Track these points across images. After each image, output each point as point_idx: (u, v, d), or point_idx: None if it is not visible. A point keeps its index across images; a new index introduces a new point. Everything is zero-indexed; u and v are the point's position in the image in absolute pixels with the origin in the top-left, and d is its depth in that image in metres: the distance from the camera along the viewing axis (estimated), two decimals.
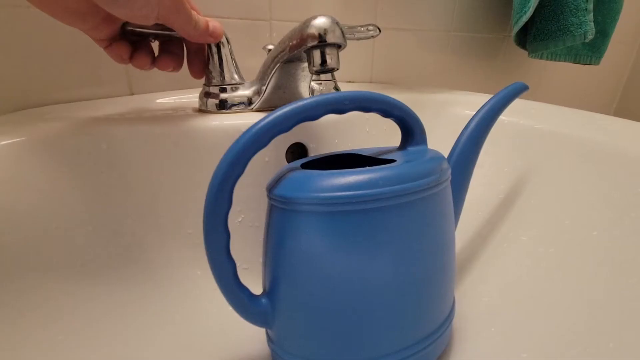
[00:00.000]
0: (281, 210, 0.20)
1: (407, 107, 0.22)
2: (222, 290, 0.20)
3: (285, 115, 0.19)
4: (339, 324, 0.19)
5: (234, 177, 0.18)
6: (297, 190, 0.19)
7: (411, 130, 0.24)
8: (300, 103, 0.19)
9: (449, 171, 0.22)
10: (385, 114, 0.22)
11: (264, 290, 0.22)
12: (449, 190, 0.23)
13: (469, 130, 0.26)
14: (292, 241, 0.19)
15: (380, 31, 0.38)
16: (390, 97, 0.22)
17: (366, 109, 0.21)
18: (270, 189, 0.21)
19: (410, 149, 0.24)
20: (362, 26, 0.37)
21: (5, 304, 0.22)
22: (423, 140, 0.24)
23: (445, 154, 0.26)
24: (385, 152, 0.24)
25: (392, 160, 0.22)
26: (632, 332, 0.20)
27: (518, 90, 0.28)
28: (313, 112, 0.20)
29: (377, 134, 0.39)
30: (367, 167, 0.19)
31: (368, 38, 0.37)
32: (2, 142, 0.25)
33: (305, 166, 0.23)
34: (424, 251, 0.20)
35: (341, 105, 0.20)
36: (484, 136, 0.27)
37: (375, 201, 0.18)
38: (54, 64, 0.37)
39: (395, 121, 0.23)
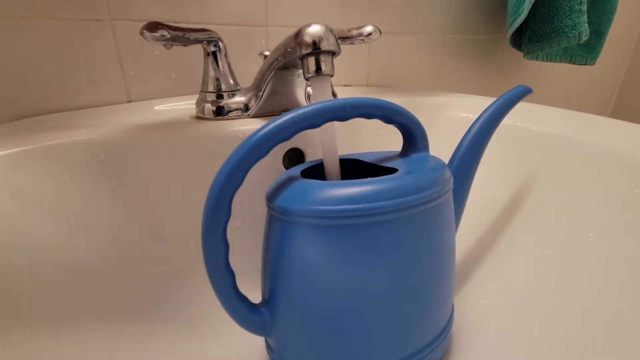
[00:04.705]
0: (281, 221, 0.20)
1: (409, 113, 0.22)
2: (222, 302, 0.20)
3: (286, 124, 0.18)
4: (338, 335, 0.19)
5: (232, 188, 0.18)
6: (297, 201, 0.19)
7: (413, 136, 0.23)
8: (301, 111, 0.19)
9: (452, 180, 0.22)
10: (388, 120, 0.22)
11: (263, 299, 0.22)
12: (451, 199, 0.22)
13: (470, 135, 0.25)
14: (291, 252, 0.19)
15: (381, 33, 0.38)
16: (392, 104, 0.21)
17: (368, 116, 0.21)
18: (270, 198, 0.20)
19: (412, 155, 0.24)
20: (357, 29, 0.37)
21: None
22: (425, 147, 0.24)
23: (443, 156, 0.26)
24: (387, 159, 0.24)
25: (394, 169, 0.21)
26: (628, 333, 0.20)
27: (521, 94, 0.27)
28: (314, 120, 0.19)
29: (374, 138, 0.39)
30: (368, 179, 0.19)
31: (371, 41, 0.37)
32: (1, 153, 0.25)
33: (305, 172, 0.23)
34: (424, 263, 0.20)
35: (343, 112, 0.20)
36: (486, 141, 0.26)
37: (376, 215, 0.18)
38: (51, 72, 0.37)
39: (397, 127, 0.23)
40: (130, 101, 0.42)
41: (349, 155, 0.26)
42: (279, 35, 0.47)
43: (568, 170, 0.29)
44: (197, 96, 0.36)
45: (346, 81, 0.56)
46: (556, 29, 0.54)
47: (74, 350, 0.23)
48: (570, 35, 0.52)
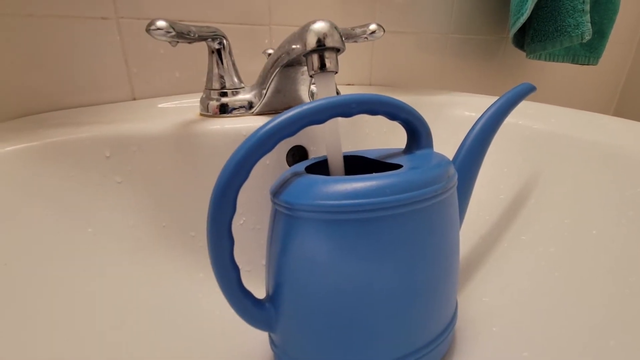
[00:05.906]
0: (286, 216, 0.20)
1: (414, 109, 0.22)
2: (227, 297, 0.20)
3: (291, 119, 0.18)
4: (342, 331, 0.19)
5: (237, 183, 0.18)
6: (302, 196, 0.19)
7: (417, 133, 0.23)
8: (306, 106, 0.19)
9: (456, 176, 0.22)
10: (392, 116, 0.22)
11: (267, 294, 0.22)
12: (455, 196, 0.22)
13: (475, 131, 0.26)
14: (296, 247, 0.19)
15: (384, 31, 0.38)
16: (397, 100, 0.21)
17: (373, 112, 0.21)
18: (275, 193, 0.20)
19: (417, 152, 0.24)
20: (360, 27, 0.37)
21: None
22: (429, 144, 0.24)
23: (446, 155, 0.26)
24: (391, 156, 0.24)
25: (398, 165, 0.21)
26: (633, 330, 0.20)
27: (525, 91, 0.27)
28: (319, 116, 0.19)
29: (377, 135, 0.39)
30: (374, 174, 0.19)
31: (374, 39, 0.37)
32: (7, 149, 0.26)
33: (309, 169, 0.23)
34: (429, 258, 0.20)
35: (348, 108, 0.20)
36: (490, 138, 0.26)
37: (381, 210, 0.18)
38: (56, 70, 0.37)
39: (401, 124, 0.23)
40: (134, 99, 0.42)
41: (352, 152, 0.26)
42: (283, 34, 0.47)
43: (571, 168, 0.29)
44: (201, 94, 0.36)
45: (349, 80, 0.56)
46: (559, 28, 0.54)
47: (71, 348, 0.23)
48: (573, 34, 0.52)
